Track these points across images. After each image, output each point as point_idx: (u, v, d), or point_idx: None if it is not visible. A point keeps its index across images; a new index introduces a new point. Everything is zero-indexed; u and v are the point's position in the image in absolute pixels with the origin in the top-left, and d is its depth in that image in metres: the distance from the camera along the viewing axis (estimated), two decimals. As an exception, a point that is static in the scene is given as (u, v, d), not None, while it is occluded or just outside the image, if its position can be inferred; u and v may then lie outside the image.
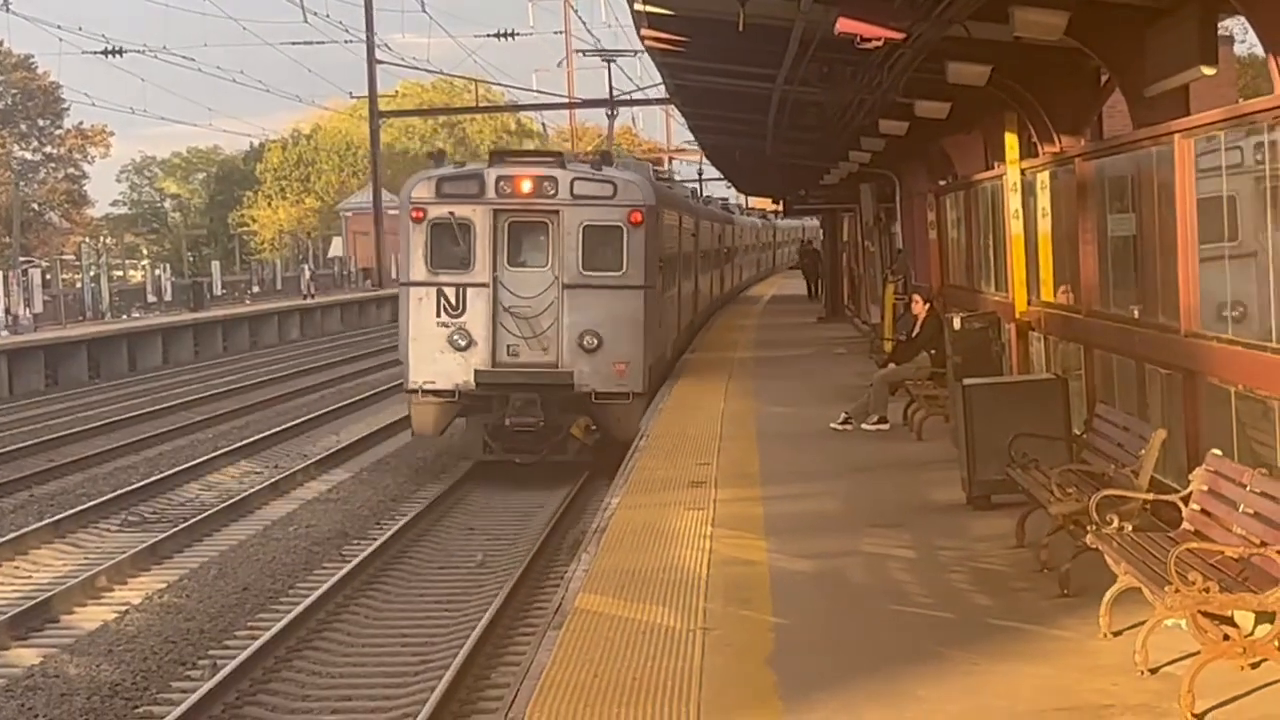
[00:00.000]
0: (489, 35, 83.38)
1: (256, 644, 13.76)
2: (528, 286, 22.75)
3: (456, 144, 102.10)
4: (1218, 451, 9.44)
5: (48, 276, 52.82)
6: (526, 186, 22.72)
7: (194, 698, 12.25)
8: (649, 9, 16.06)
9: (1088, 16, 12.19)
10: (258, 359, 47.90)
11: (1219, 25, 11.28)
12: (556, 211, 22.69)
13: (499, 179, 22.81)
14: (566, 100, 79.14)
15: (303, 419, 30.32)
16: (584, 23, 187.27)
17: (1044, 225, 16.50)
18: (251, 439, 27.36)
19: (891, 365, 20.13)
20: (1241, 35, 26.11)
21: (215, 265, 68.53)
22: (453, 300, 22.63)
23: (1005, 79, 15.19)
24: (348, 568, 16.84)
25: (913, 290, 24.34)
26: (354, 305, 66.18)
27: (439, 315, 22.63)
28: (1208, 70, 10.51)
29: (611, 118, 70.56)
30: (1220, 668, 7.85)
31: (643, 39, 18.39)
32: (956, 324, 17.24)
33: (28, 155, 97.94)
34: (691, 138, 47.80)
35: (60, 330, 44.17)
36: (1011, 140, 17.41)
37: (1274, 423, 10.33)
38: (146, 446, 27.09)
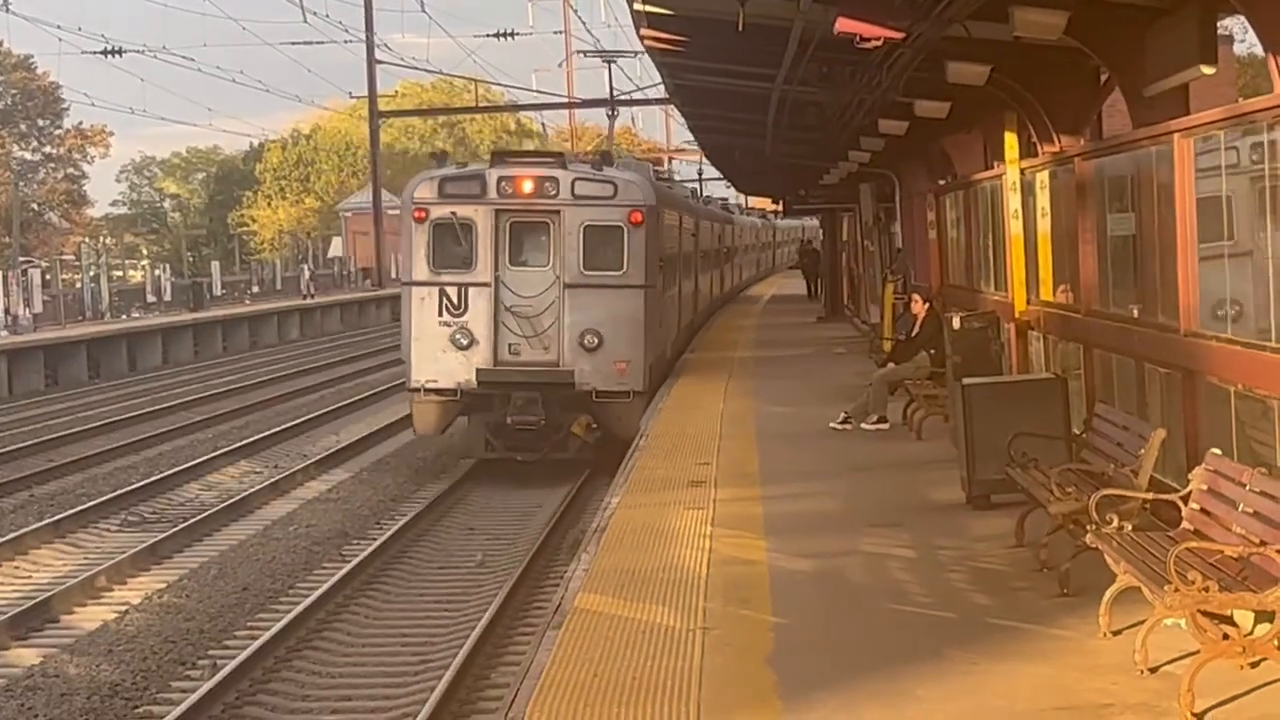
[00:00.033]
0: (489, 35, 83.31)
1: (256, 644, 13.76)
2: (529, 286, 22.84)
3: (456, 144, 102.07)
4: (1217, 451, 9.45)
5: (47, 277, 52.82)
6: (528, 187, 22.80)
7: (194, 698, 12.25)
8: (649, 9, 16.06)
9: (1087, 16, 12.19)
10: (257, 359, 47.91)
11: (1219, 25, 11.29)
12: (558, 211, 22.76)
13: (500, 179, 22.87)
14: (566, 100, 79.15)
15: (302, 419, 30.33)
16: (584, 23, 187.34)
17: (1043, 225, 16.50)
18: (251, 439, 27.36)
19: (891, 365, 20.12)
20: (1241, 35, 26.16)
21: (215, 265, 68.55)
22: (455, 300, 22.71)
23: (1005, 79, 15.20)
24: (348, 568, 16.85)
25: (912, 290, 24.34)
26: (354, 305, 66.19)
27: (441, 314, 22.72)
28: (1207, 70, 10.51)
29: (612, 118, 70.55)
30: (1220, 667, 7.85)
31: (642, 39, 18.40)
32: (956, 323, 17.24)
33: (27, 155, 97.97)
34: (691, 138, 47.82)
35: (60, 330, 44.18)
36: (1011, 140, 17.41)
37: (1273, 422, 10.33)
38: (146, 446, 27.09)
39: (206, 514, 20.22)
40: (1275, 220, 10.31)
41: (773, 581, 10.98)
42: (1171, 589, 7.89)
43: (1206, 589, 7.82)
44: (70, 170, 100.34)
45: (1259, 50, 14.19)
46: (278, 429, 28.72)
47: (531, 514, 20.83)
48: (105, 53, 61.45)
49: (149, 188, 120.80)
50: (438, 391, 22.81)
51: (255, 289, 66.01)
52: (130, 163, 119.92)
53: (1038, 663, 8.75)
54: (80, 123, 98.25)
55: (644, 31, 17.63)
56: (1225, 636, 7.82)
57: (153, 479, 23.03)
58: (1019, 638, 9.29)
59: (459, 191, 22.96)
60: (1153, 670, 8.33)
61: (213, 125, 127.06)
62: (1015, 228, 17.27)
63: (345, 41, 73.01)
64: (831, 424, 18.99)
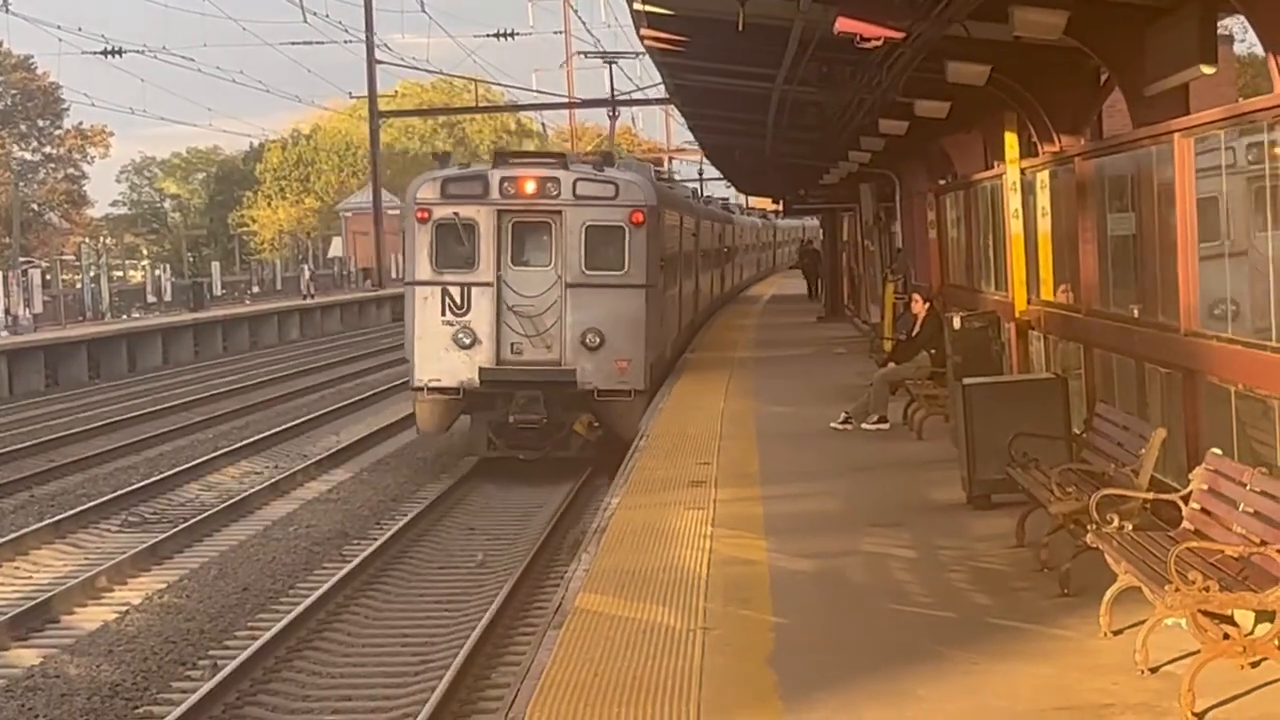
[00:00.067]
0: (489, 35, 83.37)
1: (257, 644, 13.76)
2: (531, 286, 22.93)
3: (456, 144, 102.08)
4: (1218, 450, 9.44)
5: (47, 277, 52.86)
6: (530, 187, 22.88)
7: (194, 698, 12.25)
8: (649, 9, 16.07)
9: (1087, 16, 12.18)
10: (258, 359, 47.91)
11: (1219, 24, 11.29)
12: (559, 212, 22.83)
13: (503, 180, 22.95)
14: (566, 100, 79.11)
15: (303, 419, 30.33)
16: (584, 23, 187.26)
17: (1044, 224, 16.50)
18: (251, 439, 27.37)
19: (891, 365, 20.12)
20: (1241, 35, 26.16)
21: (215, 265, 68.61)
22: (457, 299, 22.81)
23: (1005, 78, 15.19)
24: (348, 568, 16.84)
25: (912, 289, 24.34)
26: (354, 305, 66.19)
27: (444, 314, 22.83)
28: (1207, 69, 10.51)
29: (612, 118, 70.42)
30: (1220, 666, 7.85)
31: (642, 39, 18.40)
32: (956, 323, 17.24)
33: (27, 155, 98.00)
34: (691, 138, 47.80)
35: (60, 330, 44.18)
36: (1011, 140, 17.42)
37: (1274, 422, 10.33)
38: (147, 447, 27.09)
39: (207, 514, 20.22)
40: (1276, 221, 10.31)
41: (773, 581, 10.97)
42: (1172, 589, 7.89)
43: (1207, 589, 7.82)
44: (70, 170, 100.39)
45: (1259, 50, 14.21)
46: (278, 429, 28.72)
47: (532, 514, 20.84)
48: (105, 53, 61.54)
49: (149, 188, 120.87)
50: (441, 390, 22.89)
51: (255, 289, 66.03)
52: (130, 163, 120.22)
53: (1038, 663, 8.75)
54: (80, 123, 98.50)
55: (644, 31, 17.63)
56: (1226, 636, 7.82)
57: (153, 479, 23.03)
58: (1019, 638, 9.29)
59: (461, 192, 23.04)
60: (1153, 670, 8.33)
61: (213, 125, 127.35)
62: (1015, 227, 17.27)
63: (345, 41, 73.16)
64: (832, 424, 18.98)
